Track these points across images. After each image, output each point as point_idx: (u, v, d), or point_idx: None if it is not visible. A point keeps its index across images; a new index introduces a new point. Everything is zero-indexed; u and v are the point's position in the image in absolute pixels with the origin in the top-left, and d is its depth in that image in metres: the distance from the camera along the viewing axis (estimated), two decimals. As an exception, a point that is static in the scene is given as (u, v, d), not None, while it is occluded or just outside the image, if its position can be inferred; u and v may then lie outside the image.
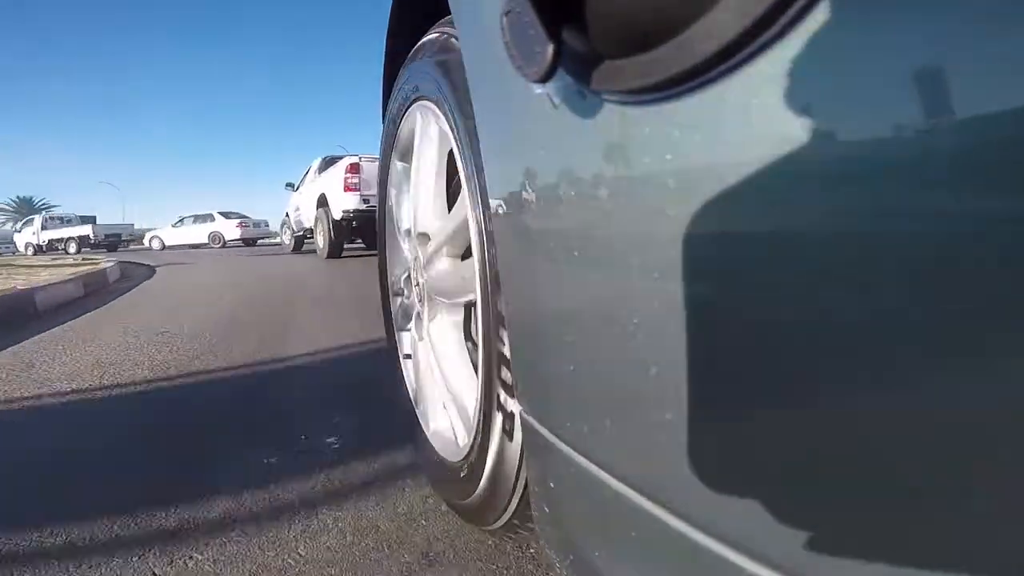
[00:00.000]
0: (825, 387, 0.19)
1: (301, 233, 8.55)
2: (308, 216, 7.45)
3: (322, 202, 6.52)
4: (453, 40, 0.59)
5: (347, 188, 5.83)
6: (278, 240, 14.12)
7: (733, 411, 0.23)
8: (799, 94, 0.18)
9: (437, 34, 0.64)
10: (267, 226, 16.65)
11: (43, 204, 42.45)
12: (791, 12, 0.18)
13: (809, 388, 0.20)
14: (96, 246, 16.74)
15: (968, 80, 0.15)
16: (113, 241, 17.38)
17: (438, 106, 0.63)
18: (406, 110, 0.78)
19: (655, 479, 0.28)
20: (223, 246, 14.85)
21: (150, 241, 17.28)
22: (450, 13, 0.52)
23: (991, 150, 0.14)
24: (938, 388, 0.16)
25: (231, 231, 15.30)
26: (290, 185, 9.36)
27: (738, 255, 0.21)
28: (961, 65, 0.15)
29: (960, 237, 0.15)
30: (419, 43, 0.71)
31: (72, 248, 16.58)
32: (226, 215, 16.18)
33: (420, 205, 0.78)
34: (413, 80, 0.73)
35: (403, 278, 0.95)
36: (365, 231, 7.21)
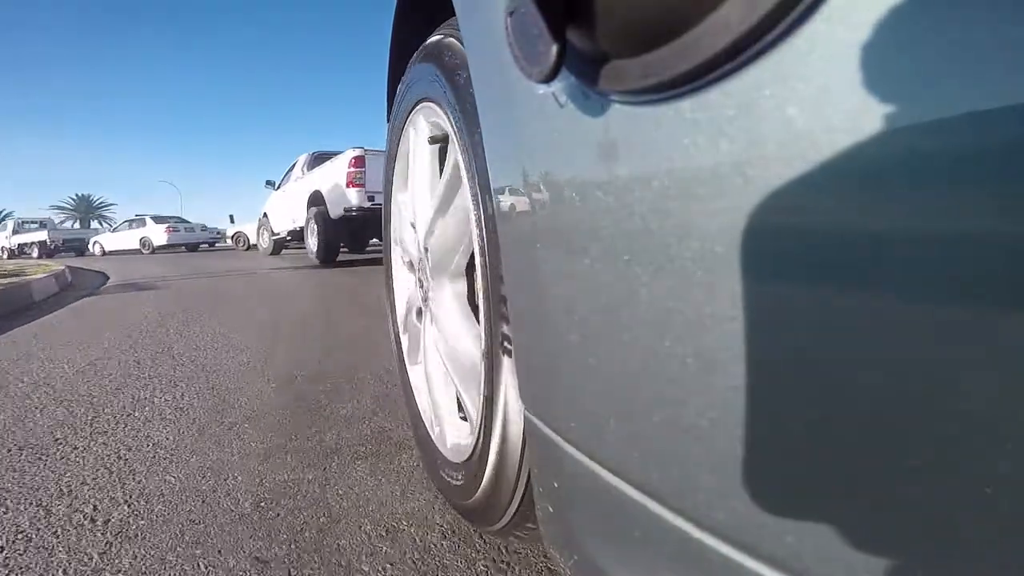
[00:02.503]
0: (825, 386, 0.19)
1: (282, 235, 7.64)
2: (295, 217, 6.67)
3: (316, 200, 5.83)
4: (457, 41, 0.59)
5: (351, 183, 5.16)
6: (230, 243, 13.56)
7: (737, 411, 0.22)
8: (804, 94, 0.18)
9: (441, 35, 0.65)
10: (204, 230, 16.19)
11: (101, 202, 42.26)
12: (796, 12, 0.18)
13: (810, 387, 0.20)
14: (56, 250, 17.04)
15: (974, 78, 0.15)
16: (78, 246, 17.63)
17: (441, 107, 0.63)
18: (410, 111, 0.78)
19: (659, 479, 0.28)
20: (152, 252, 14.48)
21: (93, 246, 17.27)
22: (454, 14, 0.52)
23: (1000, 149, 0.14)
24: (932, 386, 0.16)
25: (159, 236, 14.95)
26: (270, 183, 8.29)
27: (743, 255, 0.21)
28: (967, 62, 0.15)
29: (969, 237, 0.15)
30: (423, 44, 0.71)
31: (35, 253, 16.88)
32: (157, 220, 15.77)
33: (424, 206, 0.78)
34: (417, 81, 0.73)
35: (407, 278, 0.96)
36: (366, 232, 6.53)
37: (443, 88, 0.61)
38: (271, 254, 8.24)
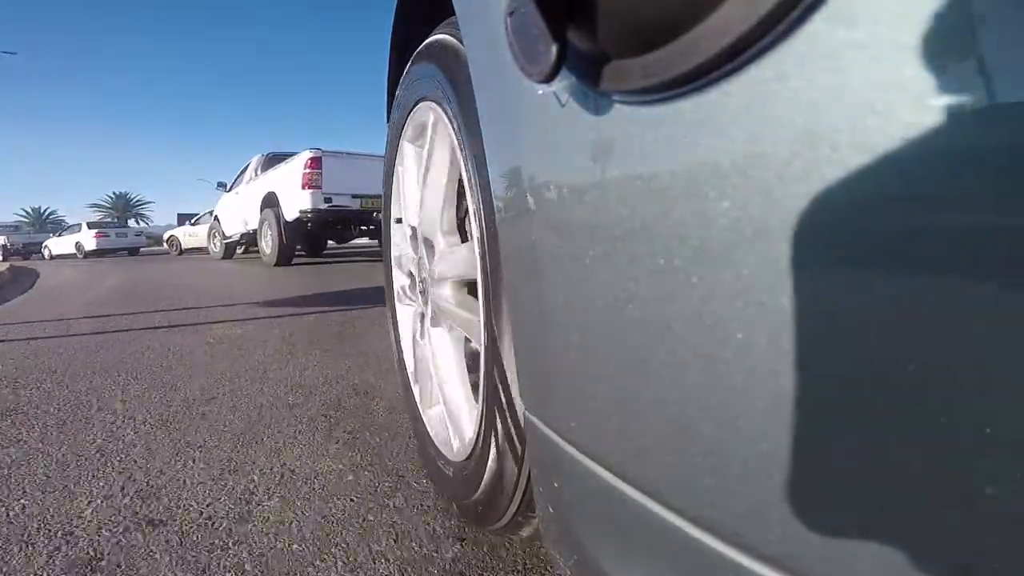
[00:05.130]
0: (826, 386, 0.19)
1: (234, 239, 7.45)
2: (248, 219, 6.50)
3: (270, 202, 5.75)
4: (457, 41, 0.59)
5: (307, 184, 5.09)
6: (166, 248, 13.48)
7: (736, 411, 0.22)
8: (805, 94, 0.18)
9: (441, 35, 0.65)
10: (138, 235, 16.38)
11: (138, 200, 41.81)
12: (796, 12, 0.18)
13: (811, 386, 0.20)
14: (16, 254, 17.83)
15: (974, 76, 0.15)
16: (39, 249, 18.38)
17: (441, 107, 0.63)
18: (410, 111, 0.78)
19: (659, 479, 0.28)
20: (85, 256, 14.69)
21: (43, 250, 17.77)
22: (454, 14, 0.52)
23: (1000, 149, 0.14)
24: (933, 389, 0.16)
25: (89, 241, 15.25)
26: (222, 185, 8.09)
27: (742, 255, 0.21)
28: (967, 60, 0.15)
29: (973, 236, 0.15)
30: (423, 44, 0.71)
31: (-1, 256, 17.70)
32: (91, 225, 16.05)
33: (423, 207, 0.78)
34: (417, 81, 0.73)
35: (406, 275, 0.96)
36: (323, 235, 6.31)
37: (443, 88, 0.61)
38: (223, 258, 7.88)
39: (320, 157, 5.16)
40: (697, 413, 0.24)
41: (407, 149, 0.86)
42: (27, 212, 39.09)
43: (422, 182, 0.77)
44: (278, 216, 5.56)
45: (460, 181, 0.60)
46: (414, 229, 0.83)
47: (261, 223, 6.02)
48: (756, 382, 0.21)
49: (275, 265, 5.60)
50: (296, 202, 5.22)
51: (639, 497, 0.29)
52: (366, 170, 5.42)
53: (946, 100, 0.15)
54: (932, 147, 0.15)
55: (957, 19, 0.15)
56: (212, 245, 8.55)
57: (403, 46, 0.84)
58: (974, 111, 0.15)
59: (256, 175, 6.59)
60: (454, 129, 0.58)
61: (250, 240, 6.93)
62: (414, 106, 0.76)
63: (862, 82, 0.17)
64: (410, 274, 0.92)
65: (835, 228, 0.18)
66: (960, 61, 0.15)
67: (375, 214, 5.50)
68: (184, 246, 12.62)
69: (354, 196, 5.41)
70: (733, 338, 0.22)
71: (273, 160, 6.41)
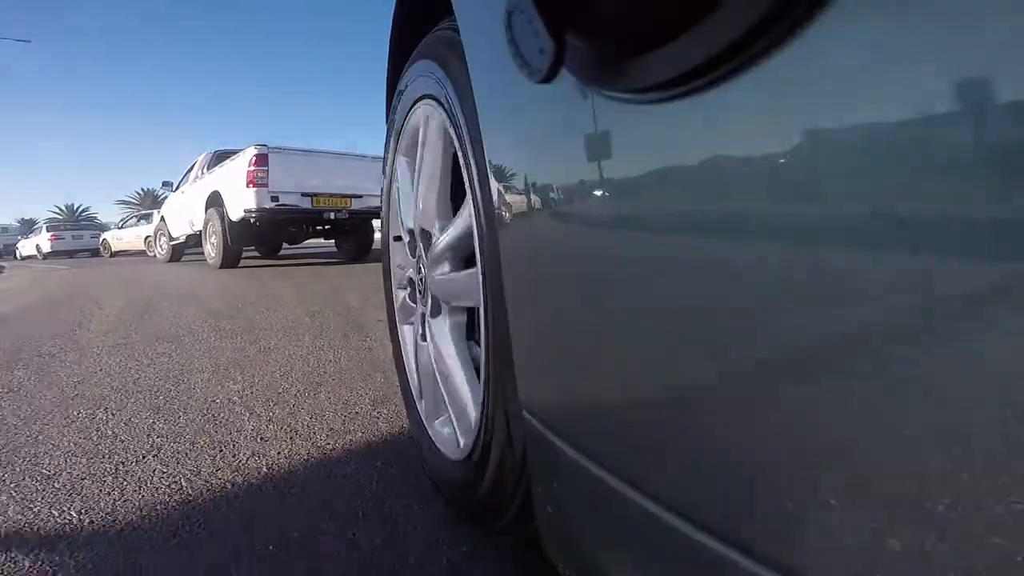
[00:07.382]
0: (825, 387, 0.19)
1: (180, 240, 7.11)
2: (195, 219, 6.19)
3: (214, 201, 5.48)
4: (456, 39, 0.59)
5: (251, 183, 4.79)
6: (100, 249, 13.80)
7: (738, 412, 0.22)
8: (801, 95, 0.18)
9: (442, 32, 0.64)
10: (93, 237, 16.73)
11: (164, 197, 41.67)
12: (794, 13, 0.17)
13: (810, 387, 0.20)
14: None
15: (970, 77, 0.14)
16: (15, 250, 19.54)
17: (441, 105, 0.63)
18: (409, 109, 0.78)
19: (658, 480, 0.28)
20: (44, 258, 15.21)
21: (15, 251, 18.74)
22: (453, 13, 0.52)
23: (997, 148, 0.14)
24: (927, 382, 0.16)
25: (45, 244, 15.81)
26: (168, 184, 7.80)
27: (742, 255, 0.21)
28: (964, 62, 0.15)
29: (968, 236, 0.15)
30: (422, 42, 0.71)
31: (-22, 258, 18.73)
32: (49, 229, 16.53)
33: (423, 204, 0.78)
34: (416, 79, 0.73)
35: (406, 274, 0.96)
36: (277, 236, 6.01)
37: (443, 86, 0.61)
38: (169, 260, 7.53)
39: (266, 154, 4.89)
40: (694, 414, 0.24)
41: (407, 148, 0.85)
42: (60, 209, 39.02)
43: (420, 179, 0.77)
44: (222, 216, 5.26)
45: (459, 180, 0.60)
46: (412, 233, 0.83)
47: (205, 224, 5.71)
48: (756, 383, 0.21)
49: (220, 267, 5.32)
50: (241, 201, 4.92)
51: (638, 497, 0.29)
52: (319, 168, 5.20)
53: (945, 99, 0.15)
54: (932, 146, 0.15)
55: (956, 19, 0.15)
56: (158, 247, 8.17)
57: (403, 43, 0.84)
58: (974, 110, 0.14)
59: (202, 174, 6.23)
60: (454, 127, 0.58)
61: (196, 241, 6.53)
62: (414, 104, 0.76)
63: (861, 82, 0.17)
64: (410, 281, 0.91)
65: (834, 227, 0.18)
66: (959, 60, 0.15)
67: (327, 214, 5.25)
68: (114, 249, 13.35)
69: (304, 195, 5.11)
70: (732, 338, 0.22)
71: (220, 158, 6.03)
